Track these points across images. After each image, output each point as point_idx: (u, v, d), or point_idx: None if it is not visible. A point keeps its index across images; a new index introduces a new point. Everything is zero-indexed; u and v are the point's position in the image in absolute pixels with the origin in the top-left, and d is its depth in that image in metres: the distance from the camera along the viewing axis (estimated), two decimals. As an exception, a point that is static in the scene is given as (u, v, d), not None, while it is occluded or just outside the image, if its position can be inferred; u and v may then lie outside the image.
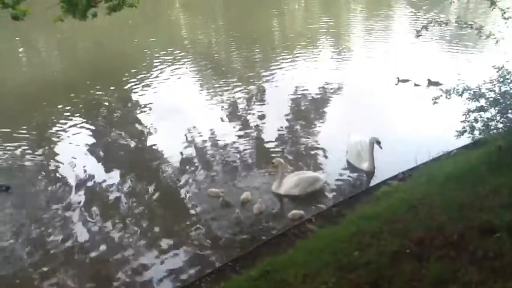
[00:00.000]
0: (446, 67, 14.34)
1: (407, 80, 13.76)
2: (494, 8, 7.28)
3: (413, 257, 5.21)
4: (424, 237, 5.51)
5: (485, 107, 7.07)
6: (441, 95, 7.33)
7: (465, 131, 7.16)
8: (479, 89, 7.16)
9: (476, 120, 7.10)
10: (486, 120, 7.02)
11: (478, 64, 14.69)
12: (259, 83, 14.60)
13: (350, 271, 5.35)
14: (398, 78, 13.83)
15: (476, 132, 7.10)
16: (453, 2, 7.91)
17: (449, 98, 7.27)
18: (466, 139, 7.65)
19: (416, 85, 13.57)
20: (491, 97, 7.02)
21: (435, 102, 7.39)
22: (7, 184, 8.92)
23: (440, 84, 13.08)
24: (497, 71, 7.21)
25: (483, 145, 7.56)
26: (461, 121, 7.24)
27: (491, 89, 7.13)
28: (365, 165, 9.45)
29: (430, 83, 13.50)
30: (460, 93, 7.19)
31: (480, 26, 7.50)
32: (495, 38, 7.57)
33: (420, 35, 8.16)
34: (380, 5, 27.77)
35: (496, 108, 6.95)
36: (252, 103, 13.18)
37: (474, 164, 7.18)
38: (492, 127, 6.95)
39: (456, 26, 7.63)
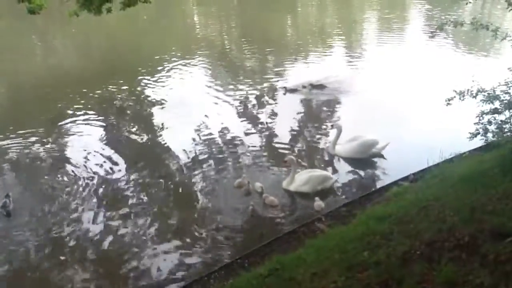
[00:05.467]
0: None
1: (295, 90, 13.70)
2: (512, 9, 7.17)
3: (424, 259, 5.17)
4: (435, 239, 5.46)
5: (500, 110, 6.97)
6: (455, 97, 7.26)
7: (478, 133, 7.08)
8: (494, 91, 7.08)
9: (489, 123, 7.02)
10: (500, 122, 6.93)
11: (493, 66, 14.56)
12: (271, 81, 14.58)
13: (359, 271, 5.33)
14: (285, 87, 13.82)
15: (490, 135, 7.02)
16: (470, 2, 7.77)
17: (462, 100, 7.20)
18: (479, 142, 7.57)
19: (303, 87, 13.70)
20: (505, 100, 6.93)
21: (448, 104, 7.33)
22: (9, 210, 8.27)
23: (325, 87, 13.59)
24: (513, 74, 7.12)
25: (496, 148, 7.46)
26: (474, 123, 7.16)
27: (506, 91, 7.05)
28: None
29: (313, 87, 13.72)
30: (474, 95, 7.12)
31: (496, 28, 7.40)
32: (511, 39, 7.46)
33: (434, 36, 8.08)
34: (395, 5, 27.62)
35: (511, 111, 6.87)
36: (264, 100, 13.17)
37: (486, 167, 7.09)
38: (506, 130, 6.87)
39: (472, 27, 7.52)
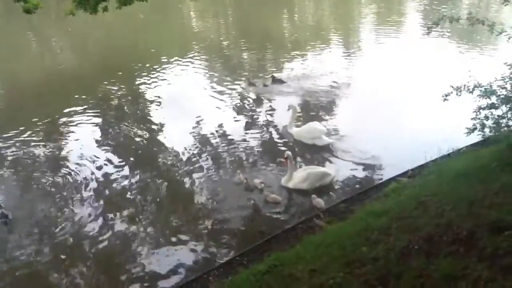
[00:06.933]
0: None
1: (253, 84, 13.89)
2: (507, 4, 7.18)
3: (422, 254, 5.19)
4: (433, 234, 5.48)
5: (496, 105, 6.98)
6: (451, 92, 7.26)
7: (476, 128, 7.07)
8: (490, 86, 7.08)
9: (486, 118, 7.01)
10: (497, 117, 6.93)
11: (489, 61, 14.58)
12: (269, 78, 14.56)
13: (358, 267, 5.34)
14: (248, 80, 14.10)
15: (487, 130, 7.01)
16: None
17: (459, 95, 7.20)
18: (476, 137, 7.56)
19: (265, 85, 13.81)
20: (502, 95, 6.94)
21: (445, 99, 7.33)
22: (6, 214, 8.11)
23: (284, 82, 13.79)
24: (509, 68, 7.12)
25: (494, 143, 7.48)
26: (472, 119, 7.17)
27: (503, 86, 7.05)
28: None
29: (274, 80, 13.93)
30: (471, 90, 7.12)
31: (492, 23, 7.40)
32: (507, 34, 7.47)
33: (430, 32, 8.07)
34: (392, 1, 27.62)
35: (508, 106, 6.86)
36: (262, 98, 13.15)
37: (484, 162, 7.11)
38: (503, 125, 6.87)
39: (468, 22, 7.51)
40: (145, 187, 9.08)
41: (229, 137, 10.85)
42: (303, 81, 14.25)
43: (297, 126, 11.00)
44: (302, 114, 11.89)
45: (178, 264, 7.09)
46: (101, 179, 9.36)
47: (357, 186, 8.89)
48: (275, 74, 14.36)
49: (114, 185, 9.19)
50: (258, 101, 12.90)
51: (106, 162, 9.95)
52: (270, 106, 12.58)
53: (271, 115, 12.05)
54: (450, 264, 4.85)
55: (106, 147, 10.69)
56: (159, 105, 12.99)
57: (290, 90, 13.64)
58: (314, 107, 12.61)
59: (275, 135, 10.98)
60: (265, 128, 11.34)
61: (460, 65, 13.53)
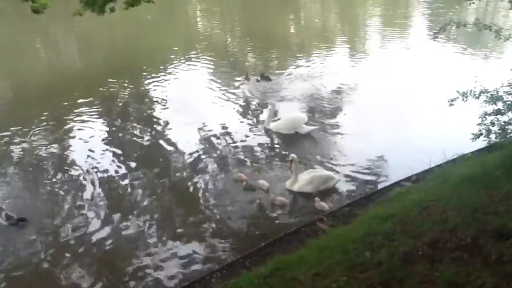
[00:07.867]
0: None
1: (248, 79, 14.38)
2: (515, 10, 7.17)
3: (425, 259, 5.19)
4: (437, 239, 5.48)
5: (503, 111, 6.97)
6: (457, 97, 7.25)
7: (481, 134, 7.08)
8: (497, 92, 7.07)
9: (492, 124, 7.01)
10: (503, 123, 6.93)
11: (496, 67, 14.53)
12: (274, 79, 14.57)
13: (361, 271, 5.34)
14: (247, 74, 14.56)
15: (492, 136, 7.02)
16: (473, 3, 7.75)
17: (465, 101, 7.20)
18: (481, 143, 7.56)
19: (258, 81, 14.29)
20: (509, 101, 6.93)
21: (451, 104, 7.33)
22: (11, 215, 8.07)
23: (270, 80, 14.30)
24: (516, 74, 7.11)
25: (499, 149, 7.45)
26: (477, 124, 7.15)
27: (509, 92, 7.04)
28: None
29: (262, 77, 14.42)
30: (477, 95, 7.11)
31: (499, 28, 7.39)
32: (514, 40, 7.45)
33: (437, 37, 8.07)
34: (398, 3, 27.59)
35: (514, 112, 6.86)
36: (266, 99, 13.15)
37: (489, 168, 7.09)
38: (509, 131, 6.86)
39: (475, 27, 7.50)
40: (149, 188, 9.08)
41: (233, 138, 10.85)
42: (307, 82, 14.25)
43: (275, 121, 11.36)
44: (308, 115, 11.93)
45: (180, 265, 7.09)
46: (106, 179, 9.37)
47: (361, 190, 8.85)
48: (264, 71, 14.81)
49: (118, 185, 9.20)
50: (263, 102, 12.90)
51: (110, 162, 9.96)
52: (277, 107, 12.54)
53: (276, 116, 12.01)
54: (454, 271, 4.84)
55: (111, 147, 10.69)
56: (165, 106, 13.00)
57: (294, 90, 13.63)
58: (317, 108, 12.58)
59: (281, 138, 10.96)
60: (271, 130, 11.32)
61: (466, 70, 13.48)
